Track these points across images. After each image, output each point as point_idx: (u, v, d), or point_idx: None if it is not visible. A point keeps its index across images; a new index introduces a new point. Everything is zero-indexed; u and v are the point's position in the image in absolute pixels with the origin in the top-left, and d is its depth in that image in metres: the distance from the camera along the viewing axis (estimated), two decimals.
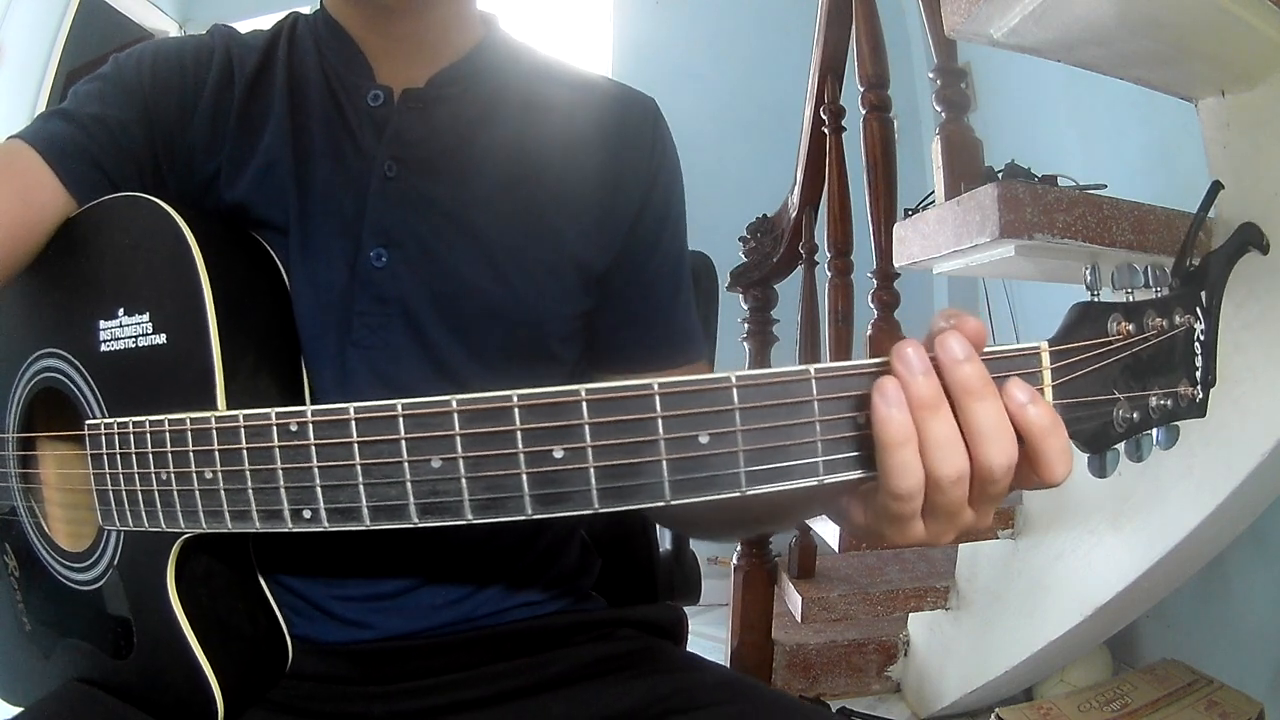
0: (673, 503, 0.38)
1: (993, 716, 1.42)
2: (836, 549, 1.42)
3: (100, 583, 0.55)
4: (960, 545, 1.58)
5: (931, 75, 1.38)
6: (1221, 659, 1.51)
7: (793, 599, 1.65)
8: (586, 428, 0.38)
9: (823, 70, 1.70)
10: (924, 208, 1.34)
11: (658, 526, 0.89)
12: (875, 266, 1.47)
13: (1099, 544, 1.32)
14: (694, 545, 0.95)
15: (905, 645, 1.80)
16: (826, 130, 1.67)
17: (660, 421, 0.38)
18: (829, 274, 1.59)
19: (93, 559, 0.56)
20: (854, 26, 1.57)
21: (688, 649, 0.73)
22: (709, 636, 2.15)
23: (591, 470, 0.38)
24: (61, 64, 2.75)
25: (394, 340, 0.59)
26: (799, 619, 1.63)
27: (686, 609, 0.80)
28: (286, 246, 0.59)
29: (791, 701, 0.61)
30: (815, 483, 0.38)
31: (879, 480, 0.38)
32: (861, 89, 1.52)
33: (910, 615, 1.77)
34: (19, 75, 2.62)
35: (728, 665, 1.69)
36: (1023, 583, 1.47)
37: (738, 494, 0.38)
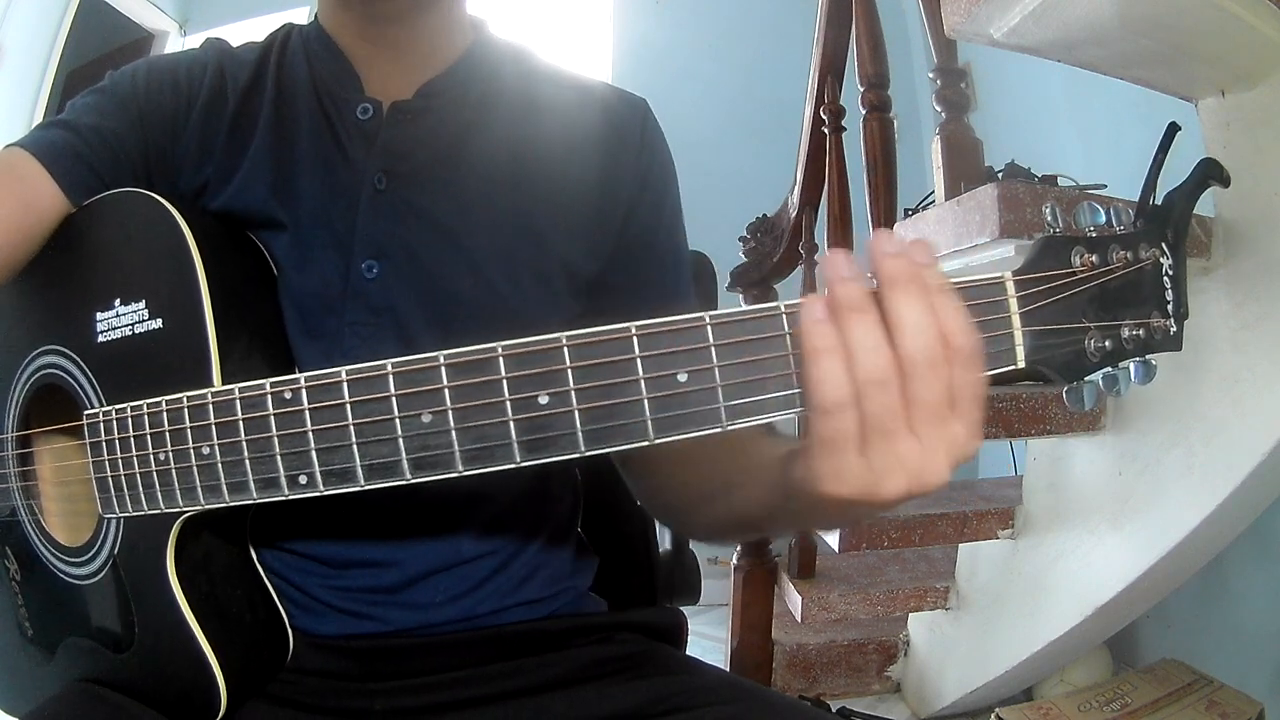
0: (657, 441, 0.39)
1: (993, 716, 1.42)
2: (836, 549, 1.42)
3: (100, 575, 0.56)
4: (960, 545, 1.58)
5: (931, 75, 1.38)
6: (1221, 659, 1.51)
7: (793, 599, 1.65)
8: (569, 372, 0.40)
9: (823, 70, 1.70)
10: (924, 208, 1.35)
11: (657, 525, 0.89)
12: None
13: (1099, 544, 1.32)
14: (693, 545, 0.95)
15: (905, 645, 1.80)
16: (826, 130, 1.67)
17: (639, 362, 0.39)
18: None
19: (92, 552, 0.56)
20: (854, 26, 1.57)
21: (687, 651, 0.73)
22: (709, 636, 2.15)
23: (576, 413, 0.40)
24: (61, 64, 2.75)
25: (385, 350, 0.59)
26: (799, 619, 1.63)
27: (686, 609, 0.81)
28: (275, 256, 0.60)
29: (791, 702, 0.61)
30: (793, 414, 0.39)
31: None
32: (861, 89, 1.52)
33: (910, 615, 1.77)
34: (19, 75, 2.62)
35: (728, 665, 1.69)
36: (1023, 583, 1.47)
37: (719, 429, 0.39)
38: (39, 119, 2.64)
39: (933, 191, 1.36)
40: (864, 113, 1.52)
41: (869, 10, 1.52)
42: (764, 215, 1.91)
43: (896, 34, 1.91)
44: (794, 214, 1.80)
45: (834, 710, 1.61)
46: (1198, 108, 1.17)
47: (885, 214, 1.48)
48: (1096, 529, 1.32)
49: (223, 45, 0.67)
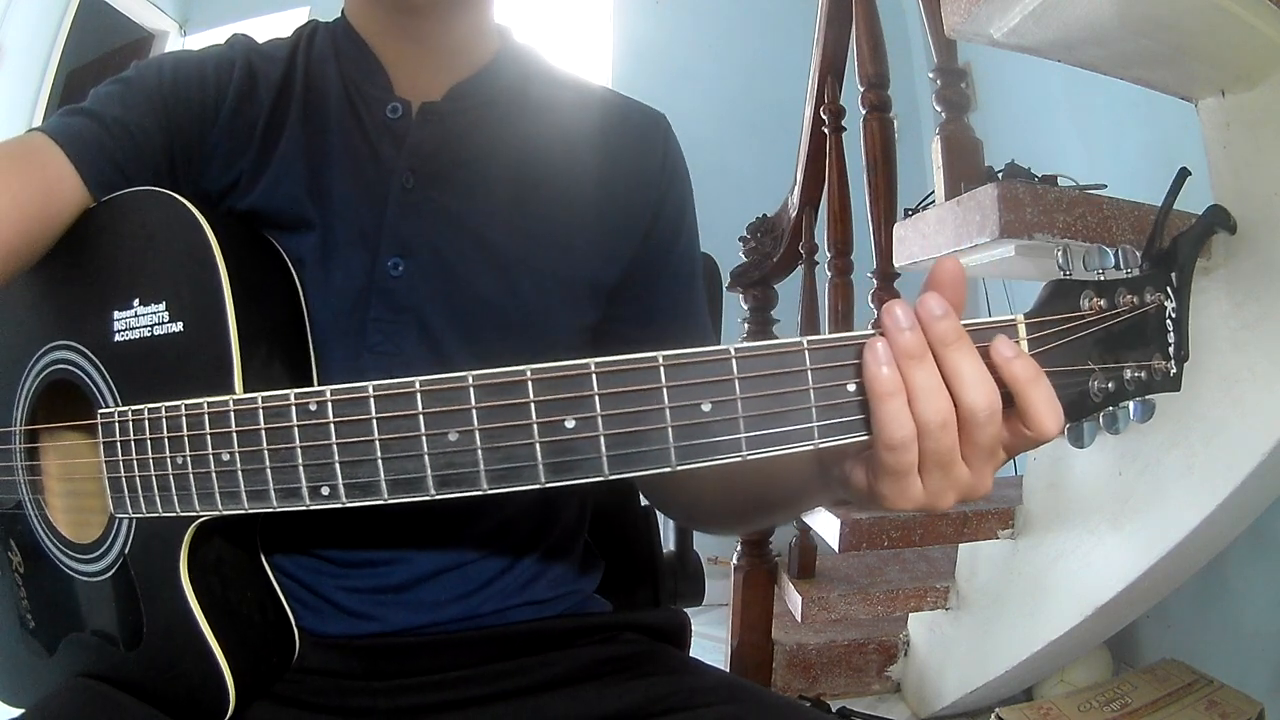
0: (679, 468, 0.40)
1: (993, 716, 1.42)
2: (837, 549, 1.42)
3: (109, 573, 0.55)
4: (960, 545, 1.58)
5: (931, 75, 1.38)
6: (1221, 659, 1.51)
7: (793, 599, 1.65)
8: (596, 398, 0.40)
9: (823, 70, 1.70)
10: (924, 208, 1.34)
11: (660, 528, 0.89)
12: (875, 266, 1.47)
13: (1099, 544, 1.32)
14: (695, 545, 0.95)
15: (905, 645, 1.80)
16: (826, 130, 1.67)
17: (665, 391, 0.40)
18: (829, 274, 1.59)
19: (102, 549, 0.56)
20: (854, 26, 1.57)
21: (690, 652, 0.73)
22: (709, 636, 2.15)
23: (602, 439, 0.40)
24: (61, 64, 2.75)
25: (407, 348, 0.60)
26: (799, 619, 1.63)
27: (686, 609, 0.81)
28: (301, 253, 0.60)
29: (791, 703, 0.61)
30: (811, 447, 0.40)
31: (874, 434, 0.40)
32: (861, 89, 1.52)
33: (910, 615, 1.77)
34: (19, 75, 2.62)
35: (728, 665, 1.69)
36: (1023, 583, 1.47)
37: (739, 458, 0.40)
38: (39, 119, 2.64)
39: (933, 191, 1.35)
40: (864, 113, 1.52)
41: (869, 10, 1.53)
42: (764, 215, 1.91)
43: (896, 34, 1.91)
44: (794, 214, 1.80)
45: (834, 710, 1.61)
46: (1198, 108, 1.17)
47: (885, 214, 1.48)
48: (1096, 529, 1.32)
49: (250, 42, 0.66)
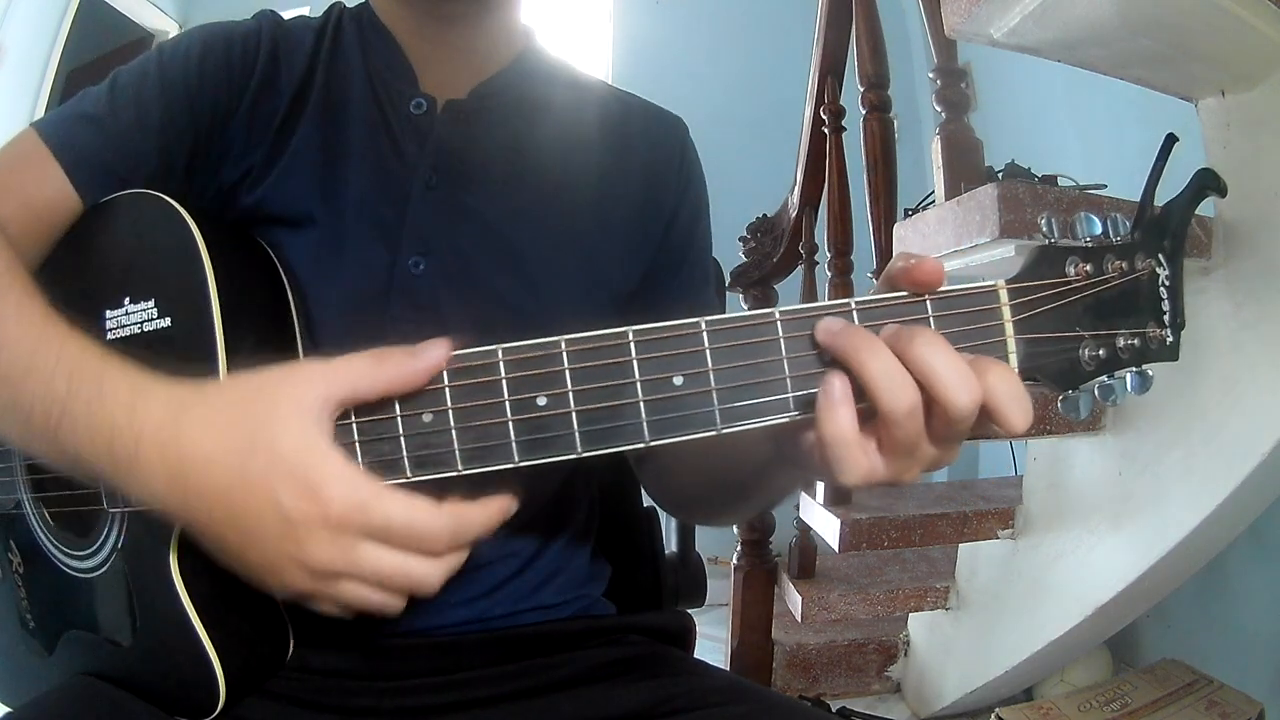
0: (652, 444, 0.40)
1: (993, 716, 1.42)
2: (837, 549, 1.42)
3: (104, 569, 0.56)
4: (960, 545, 1.58)
5: (931, 75, 1.38)
6: (1221, 659, 1.51)
7: (793, 599, 1.65)
8: (567, 374, 0.40)
9: (823, 70, 1.70)
10: (924, 208, 1.34)
11: (662, 529, 0.89)
12: (875, 266, 1.47)
13: (1099, 544, 1.32)
14: (696, 546, 0.95)
15: (905, 645, 1.80)
16: (826, 130, 1.67)
17: (636, 365, 0.40)
18: (829, 274, 1.59)
19: (96, 545, 0.56)
20: (854, 27, 1.57)
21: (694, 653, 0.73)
22: (709, 636, 2.14)
23: (574, 415, 0.40)
24: (61, 64, 2.75)
25: None
26: (799, 619, 1.64)
27: (687, 609, 0.81)
28: (315, 245, 0.59)
29: (795, 705, 0.61)
30: (787, 419, 0.40)
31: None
32: (861, 89, 1.52)
33: (910, 615, 1.77)
34: (19, 75, 2.62)
35: (728, 665, 1.69)
36: (1023, 583, 1.47)
37: (713, 433, 0.40)
38: None
39: (933, 191, 1.35)
40: (864, 113, 1.52)
41: (869, 10, 1.53)
42: (764, 215, 1.91)
43: (896, 34, 1.91)
44: (794, 214, 1.80)
45: (834, 710, 1.61)
46: (1198, 108, 1.17)
47: (885, 214, 1.48)
48: (1096, 529, 1.32)
49: (277, 20, 0.65)
